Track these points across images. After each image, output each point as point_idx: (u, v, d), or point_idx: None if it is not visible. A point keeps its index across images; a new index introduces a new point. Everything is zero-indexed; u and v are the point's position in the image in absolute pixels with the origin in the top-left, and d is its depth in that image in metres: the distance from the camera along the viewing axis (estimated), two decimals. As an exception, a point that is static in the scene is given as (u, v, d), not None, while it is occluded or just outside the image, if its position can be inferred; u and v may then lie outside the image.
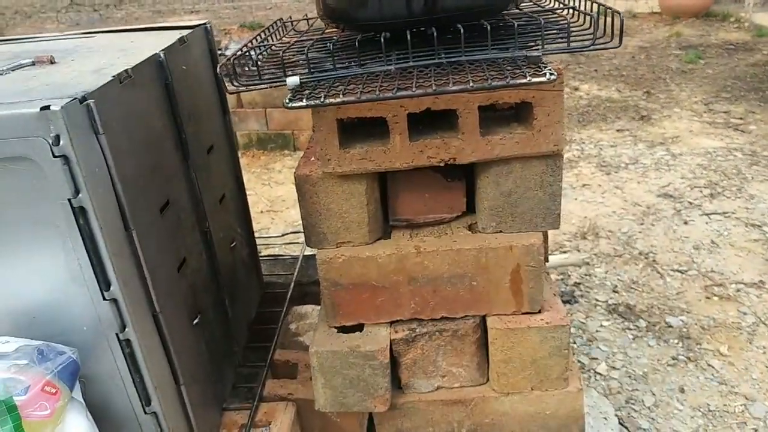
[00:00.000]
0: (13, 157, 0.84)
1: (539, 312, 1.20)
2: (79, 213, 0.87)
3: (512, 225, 1.17)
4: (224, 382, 1.29)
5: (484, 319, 1.22)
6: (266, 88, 1.04)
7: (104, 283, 0.91)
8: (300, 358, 1.38)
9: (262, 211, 3.21)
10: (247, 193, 1.60)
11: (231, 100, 3.03)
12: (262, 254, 1.75)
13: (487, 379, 1.26)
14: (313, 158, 1.20)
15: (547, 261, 1.52)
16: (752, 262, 2.44)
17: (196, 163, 1.22)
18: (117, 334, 0.94)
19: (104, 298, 0.92)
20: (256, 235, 1.64)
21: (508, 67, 0.96)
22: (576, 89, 4.71)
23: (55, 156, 0.83)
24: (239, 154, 1.54)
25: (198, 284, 1.18)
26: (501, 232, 1.18)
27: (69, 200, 0.87)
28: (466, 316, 1.21)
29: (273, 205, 3.30)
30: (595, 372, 2.00)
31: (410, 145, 1.09)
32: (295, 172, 1.16)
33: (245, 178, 1.58)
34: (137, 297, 0.96)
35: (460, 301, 1.19)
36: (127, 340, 0.94)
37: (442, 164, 1.12)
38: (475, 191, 1.20)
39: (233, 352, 1.35)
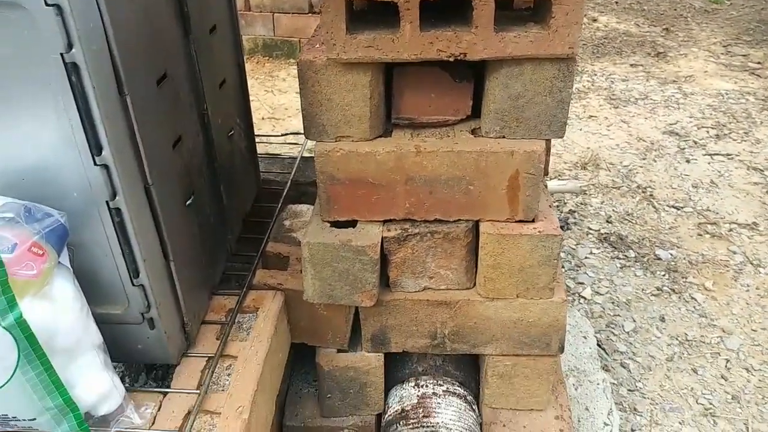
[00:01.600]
0: (4, 2, 0.80)
1: (533, 221, 1.19)
2: (72, 69, 0.84)
3: (516, 130, 1.14)
4: (215, 267, 1.30)
5: (476, 224, 1.22)
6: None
7: (96, 147, 0.89)
8: (292, 252, 1.39)
9: (263, 118, 3.17)
10: (250, 98, 1.56)
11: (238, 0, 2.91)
12: (260, 154, 1.72)
13: (474, 284, 1.28)
14: (318, 45, 1.15)
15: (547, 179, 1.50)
16: (749, 204, 2.44)
17: (197, 41, 1.17)
18: (107, 202, 0.93)
19: (95, 163, 0.90)
20: (256, 134, 1.61)
21: (531, -45, 0.90)
22: (594, 20, 4.55)
23: (47, 4, 0.79)
24: (243, 54, 1.49)
25: (193, 165, 1.17)
26: (504, 137, 1.15)
27: (61, 55, 0.83)
28: (460, 219, 1.21)
29: (275, 112, 3.25)
30: (580, 296, 2.04)
31: (420, 36, 1.05)
32: (298, 58, 1.12)
33: (249, 83, 1.53)
34: (129, 166, 0.94)
35: (455, 204, 1.18)
36: (117, 209, 0.93)
37: (451, 59, 1.07)
38: (483, 94, 1.17)
39: (226, 239, 1.35)
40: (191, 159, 1.15)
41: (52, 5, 0.79)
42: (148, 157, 0.96)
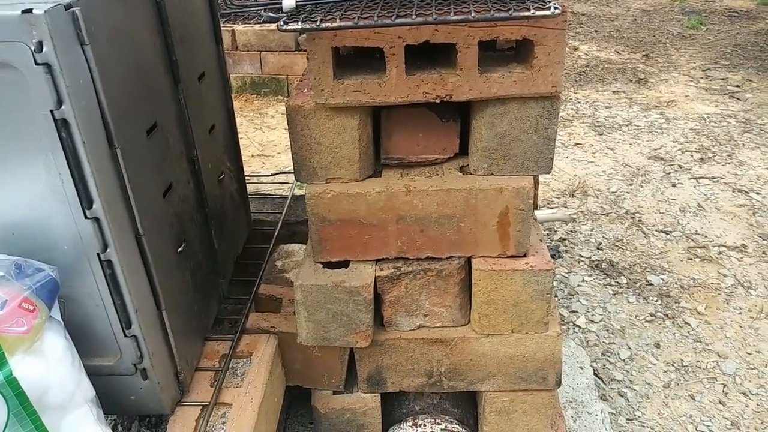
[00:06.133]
0: (-6, 62, 0.81)
1: (524, 256, 1.20)
2: (62, 126, 0.85)
3: (504, 167, 1.16)
4: (208, 313, 1.29)
5: (469, 260, 1.22)
6: (260, 10, 1.00)
7: (86, 201, 0.89)
8: (284, 293, 1.38)
9: (253, 155, 3.18)
10: (239, 137, 1.57)
11: (225, 40, 2.95)
12: (251, 193, 1.73)
13: (469, 320, 1.27)
14: (306, 90, 1.17)
15: (536, 209, 1.51)
16: (736, 227, 2.47)
17: (186, 89, 1.19)
18: (98, 254, 0.93)
19: (86, 217, 0.90)
20: (246, 174, 1.62)
21: (512, 1, 0.93)
22: (575, 49, 4.64)
23: (37, 63, 0.80)
24: (232, 98, 1.51)
25: (184, 213, 1.17)
26: (492, 174, 1.17)
27: (51, 112, 0.84)
28: (452, 256, 1.21)
29: (264, 149, 3.26)
30: (574, 324, 2.04)
31: (406, 79, 1.07)
32: (286, 103, 1.13)
33: (237, 121, 1.55)
34: (120, 217, 0.94)
35: (446, 241, 1.19)
36: (109, 261, 0.93)
37: (437, 101, 1.09)
38: (469, 132, 1.18)
39: (218, 284, 1.35)
40: (182, 206, 1.16)
41: (42, 64, 0.80)
42: (138, 207, 0.96)
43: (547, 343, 1.25)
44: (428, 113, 1.17)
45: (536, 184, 1.30)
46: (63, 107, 0.84)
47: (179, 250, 1.11)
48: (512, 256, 1.20)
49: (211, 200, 1.29)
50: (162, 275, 1.04)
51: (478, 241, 1.19)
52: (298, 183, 1.88)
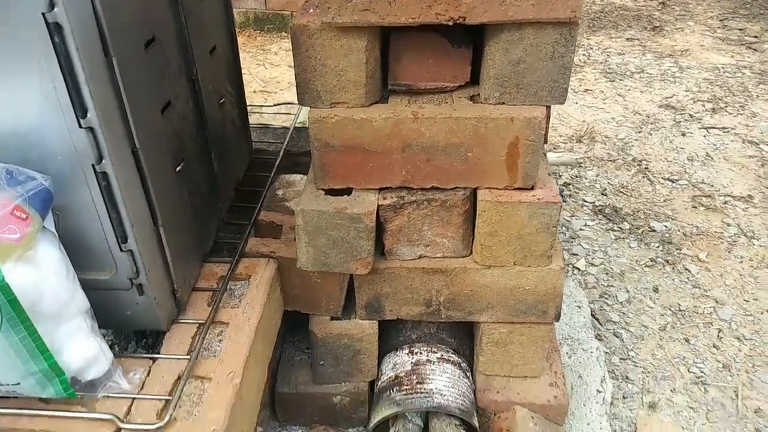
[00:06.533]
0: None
1: (532, 189, 1.18)
2: (55, 29, 0.81)
3: (516, 96, 1.11)
4: (206, 235, 1.28)
5: (474, 192, 1.20)
6: None
7: (80, 109, 0.86)
8: (285, 221, 1.36)
9: (255, 91, 3.12)
10: (242, 70, 1.52)
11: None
12: (252, 124, 1.69)
13: (470, 252, 1.26)
14: (312, 9, 1.11)
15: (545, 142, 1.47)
16: (744, 177, 2.43)
17: (186, 6, 1.13)
18: (93, 166, 0.90)
19: (80, 126, 0.87)
20: (248, 104, 1.58)
21: None
22: (590, -8, 4.48)
23: (26, -41, 0.75)
24: (234, 22, 1.44)
25: (183, 132, 1.13)
26: (503, 103, 1.13)
27: (43, 14, 0.79)
28: (457, 187, 1.19)
29: (267, 86, 3.19)
30: (574, 267, 2.04)
31: (418, -3, 1.01)
32: (291, 23, 1.08)
33: (240, 56, 1.49)
34: (116, 129, 0.91)
35: (452, 171, 1.16)
36: (104, 173, 0.91)
37: (450, 22, 1.04)
38: (482, 59, 1.14)
39: (217, 207, 1.33)
40: (181, 125, 1.12)
41: (32, -42, 0.75)
42: (135, 120, 0.93)
43: (549, 276, 1.24)
44: (439, 38, 1.12)
45: (548, 118, 1.26)
46: (55, 9, 0.79)
47: (178, 169, 1.09)
48: (519, 188, 1.18)
49: (211, 123, 1.26)
50: (159, 192, 1.01)
51: (486, 171, 1.16)
52: (301, 117, 1.84)
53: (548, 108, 1.16)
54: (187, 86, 1.16)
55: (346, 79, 1.11)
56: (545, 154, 1.32)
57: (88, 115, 0.86)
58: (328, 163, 1.17)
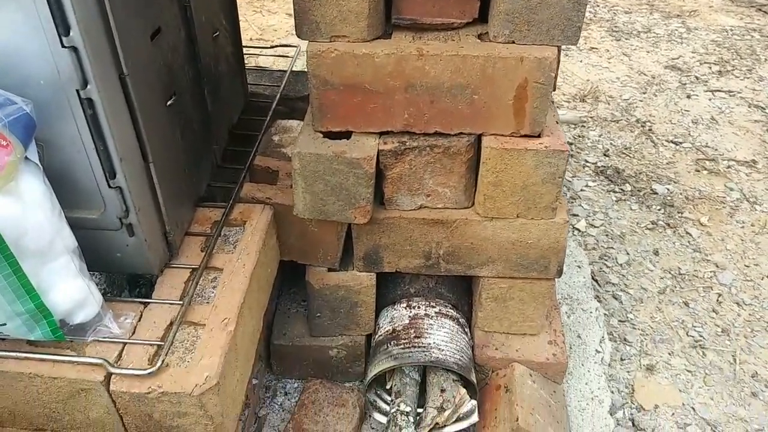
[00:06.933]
0: None
1: (539, 136, 1.13)
2: (32, -63, 0.74)
3: (527, 35, 1.05)
4: (199, 177, 1.22)
5: (478, 139, 1.15)
6: None
7: (63, 26, 0.79)
8: (281, 167, 1.31)
9: (252, 39, 3.02)
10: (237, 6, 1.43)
11: None
12: (249, 67, 1.61)
13: (473, 203, 1.22)
14: (312, -67, 1.04)
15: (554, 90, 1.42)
16: (748, 142, 2.39)
17: (176, -75, 1.06)
18: (78, 92, 0.84)
19: (63, 45, 0.80)
20: (245, 44, 1.50)
21: None
22: (598, -50, 4.34)
23: None
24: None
25: (174, 63, 1.07)
26: (513, 42, 1.06)
27: None
28: (462, 133, 1.13)
29: (263, 34, 3.09)
30: (574, 228, 2.00)
31: None
32: (290, -53, 1.01)
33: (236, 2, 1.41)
34: (101, 51, 0.84)
35: (457, 115, 1.11)
36: (89, 100, 0.84)
37: (460, -50, 0.97)
38: (491, -5, 1.07)
39: (211, 150, 1.27)
40: (171, 55, 1.05)
41: None
42: (122, 43, 0.87)
43: (553, 230, 1.20)
44: (447, -30, 1.06)
45: (558, 61, 1.20)
46: None
47: (169, 102, 1.03)
48: (526, 136, 1.12)
49: (204, 57, 1.19)
50: (149, 126, 0.95)
51: (492, 116, 1.10)
52: (298, 62, 1.76)
53: (559, 50, 1.10)
54: (179, 14, 1.09)
55: (348, 10, 1.04)
56: (553, 102, 1.26)
57: (71, 33, 0.80)
58: (327, 103, 1.11)
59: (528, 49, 1.05)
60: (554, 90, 1.26)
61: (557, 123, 1.17)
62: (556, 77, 1.14)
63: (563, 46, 1.10)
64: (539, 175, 1.13)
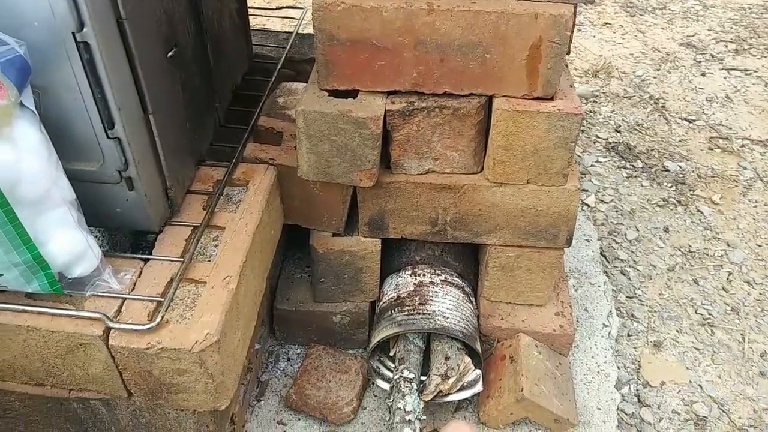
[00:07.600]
0: None
1: (552, 99, 1.09)
2: None
3: (543, -10, 1.01)
4: (201, 135, 1.19)
5: (489, 101, 1.11)
6: None
7: (57, -37, 0.76)
8: (286, 128, 1.28)
9: (257, 1, 2.96)
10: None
11: None
12: (254, 28, 1.57)
13: (482, 169, 1.18)
14: None
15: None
16: (764, 121, 2.33)
17: None
18: (74, 34, 0.80)
19: (58, -16, 0.77)
20: (250, 5, 1.46)
21: None
22: (614, -74, 4.24)
23: None
24: None
25: (175, 13, 1.03)
26: (528, -2, 1.02)
27: None
28: (472, 93, 1.10)
29: (271, 1, 3.03)
30: (583, 203, 1.96)
31: None
32: None
33: None
34: (98, -7, 0.81)
35: (468, 75, 1.07)
36: (86, 44, 0.81)
37: None
38: (506, -52, 1.03)
39: (213, 107, 1.24)
40: (172, 5, 1.02)
41: None
42: (121, -13, 0.83)
43: (564, 197, 1.16)
44: None
45: (574, 21, 1.16)
46: None
47: (169, 54, 0.99)
48: (538, 98, 1.09)
49: (207, 10, 1.15)
50: (149, 76, 0.92)
51: (504, 76, 1.07)
52: (305, 22, 1.72)
53: (575, 8, 1.06)
54: (180, -37, 1.05)
55: (356, -38, 1.00)
56: (567, 66, 1.22)
57: (66, -27, 0.76)
58: (333, 59, 1.07)
59: (543, 5, 1.01)
60: (568, 53, 1.22)
61: (571, 86, 1.13)
62: (570, 39, 1.10)
63: (578, 7, 1.05)
64: (551, 139, 1.10)
